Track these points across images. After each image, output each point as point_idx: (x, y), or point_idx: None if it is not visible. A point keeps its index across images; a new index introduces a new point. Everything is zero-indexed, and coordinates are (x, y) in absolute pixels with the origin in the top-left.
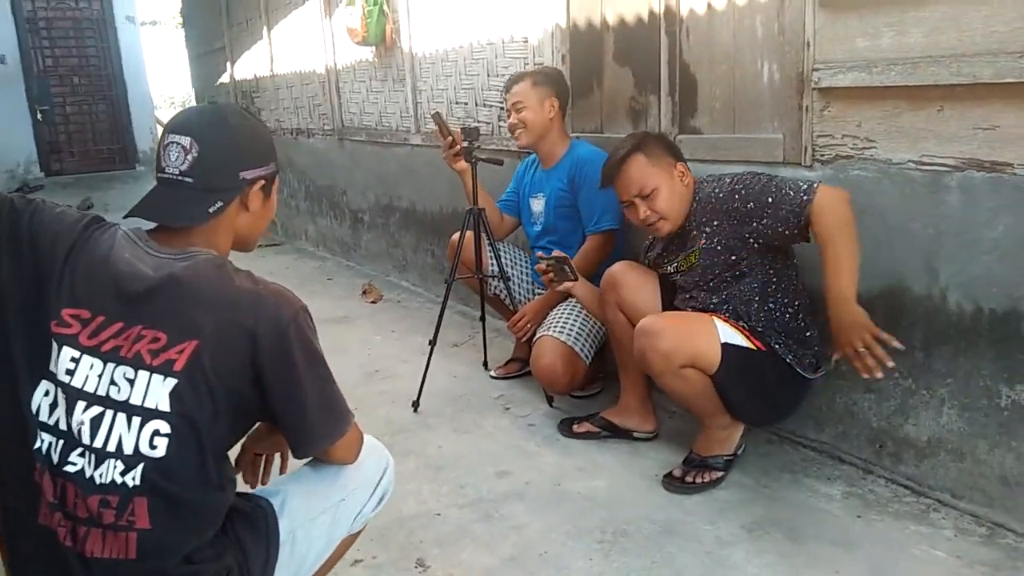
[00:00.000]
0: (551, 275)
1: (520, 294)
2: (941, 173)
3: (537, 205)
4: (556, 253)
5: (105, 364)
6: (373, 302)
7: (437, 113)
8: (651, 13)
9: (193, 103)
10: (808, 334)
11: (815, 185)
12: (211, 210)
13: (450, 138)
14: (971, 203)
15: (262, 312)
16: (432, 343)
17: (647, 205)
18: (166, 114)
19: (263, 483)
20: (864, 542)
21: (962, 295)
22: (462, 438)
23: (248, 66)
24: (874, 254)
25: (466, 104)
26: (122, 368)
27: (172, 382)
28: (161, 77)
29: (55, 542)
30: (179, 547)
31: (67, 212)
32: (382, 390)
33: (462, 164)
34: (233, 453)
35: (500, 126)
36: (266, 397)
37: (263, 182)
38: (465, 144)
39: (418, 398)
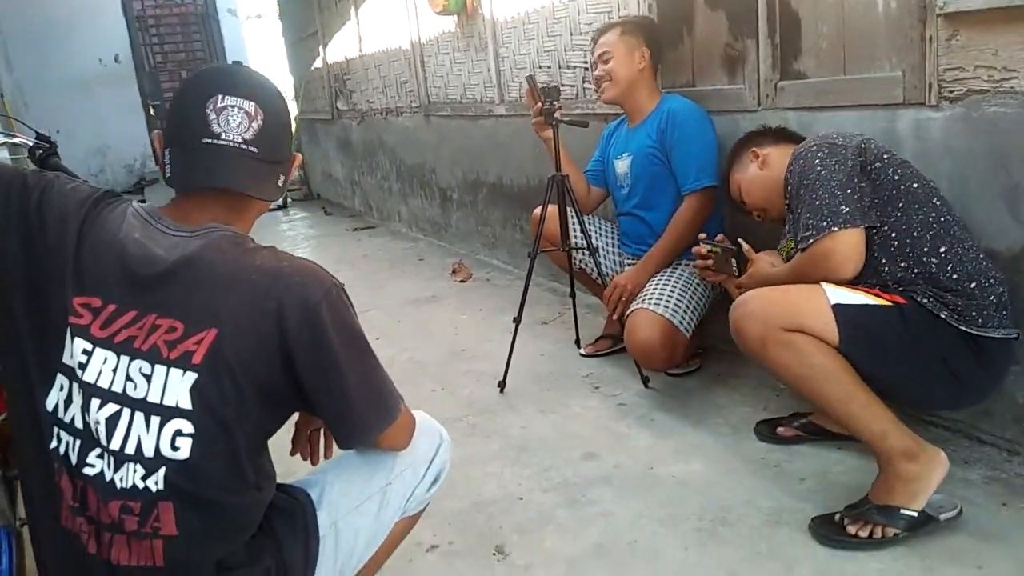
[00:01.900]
0: (711, 264)
1: (608, 267)
2: None
3: (622, 166)
4: (721, 239)
5: (119, 357)
6: (462, 281)
7: (530, 76)
8: None
9: (291, 91)
10: (973, 284)
11: (824, 233)
12: (280, 183)
13: (539, 104)
14: None
15: (287, 292)
16: (517, 321)
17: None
18: None
19: (326, 457)
20: (1011, 534)
21: None
22: (548, 419)
23: (339, 49)
24: (1015, 205)
25: (549, 68)
26: (138, 362)
27: (192, 376)
28: (270, 68)
29: (80, 547)
30: (211, 554)
31: (79, 188)
32: (467, 369)
33: (549, 132)
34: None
35: (585, 88)
36: (302, 387)
37: (299, 155)
38: (545, 105)
39: (504, 377)
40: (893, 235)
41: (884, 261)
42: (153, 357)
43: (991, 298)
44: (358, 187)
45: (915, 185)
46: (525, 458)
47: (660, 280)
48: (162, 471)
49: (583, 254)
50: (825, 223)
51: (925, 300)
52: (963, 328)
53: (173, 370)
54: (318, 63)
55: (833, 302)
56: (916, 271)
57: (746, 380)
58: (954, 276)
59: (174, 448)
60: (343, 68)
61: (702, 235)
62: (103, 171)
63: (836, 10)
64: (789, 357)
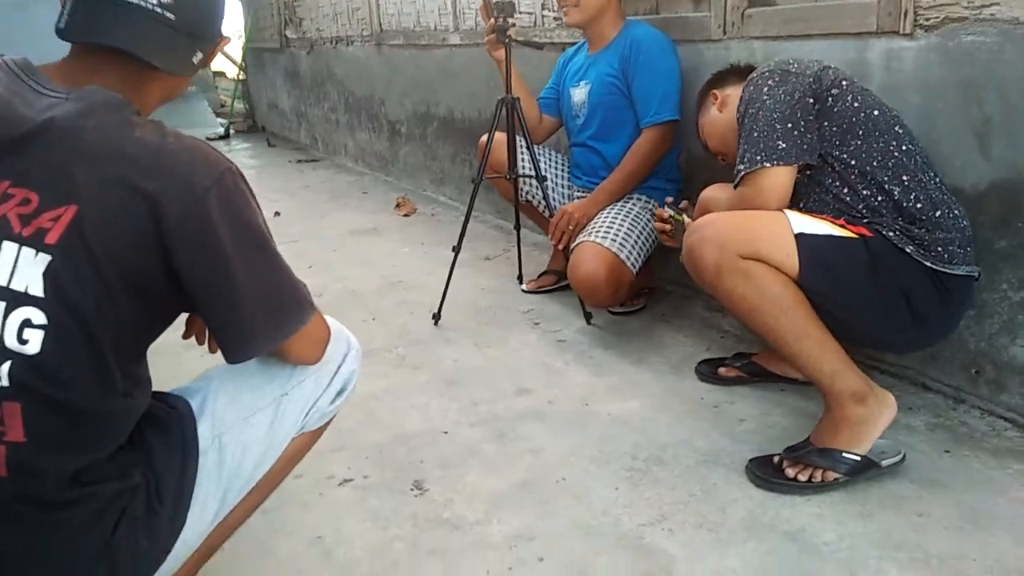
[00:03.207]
0: (669, 230)
1: (557, 200)
2: None
3: (579, 94)
4: (685, 205)
5: None
6: (406, 215)
7: None
8: None
9: (240, 17)
10: (939, 214)
11: (756, 167)
12: (196, 61)
13: (492, 20)
14: None
15: (168, 172)
16: (456, 249)
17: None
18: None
19: None
20: (954, 482)
21: None
22: (482, 352)
23: None
24: (985, 140)
25: None
26: None
27: (45, 259)
28: None
29: None
30: (66, 464)
31: None
32: (402, 300)
33: (502, 52)
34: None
35: (544, 16)
36: (183, 285)
37: (228, 37)
38: (498, 22)
39: (439, 309)
40: (853, 163)
41: (845, 190)
42: (2, 231)
43: (955, 232)
44: (304, 119)
45: (875, 112)
46: (454, 391)
47: (609, 214)
48: (6, 366)
49: (530, 184)
50: (759, 157)
51: (891, 234)
52: (928, 264)
53: (25, 249)
54: None
55: (796, 231)
56: (879, 199)
57: (690, 321)
58: (918, 205)
59: (21, 340)
60: None
61: (668, 199)
62: None
63: None
64: (746, 287)
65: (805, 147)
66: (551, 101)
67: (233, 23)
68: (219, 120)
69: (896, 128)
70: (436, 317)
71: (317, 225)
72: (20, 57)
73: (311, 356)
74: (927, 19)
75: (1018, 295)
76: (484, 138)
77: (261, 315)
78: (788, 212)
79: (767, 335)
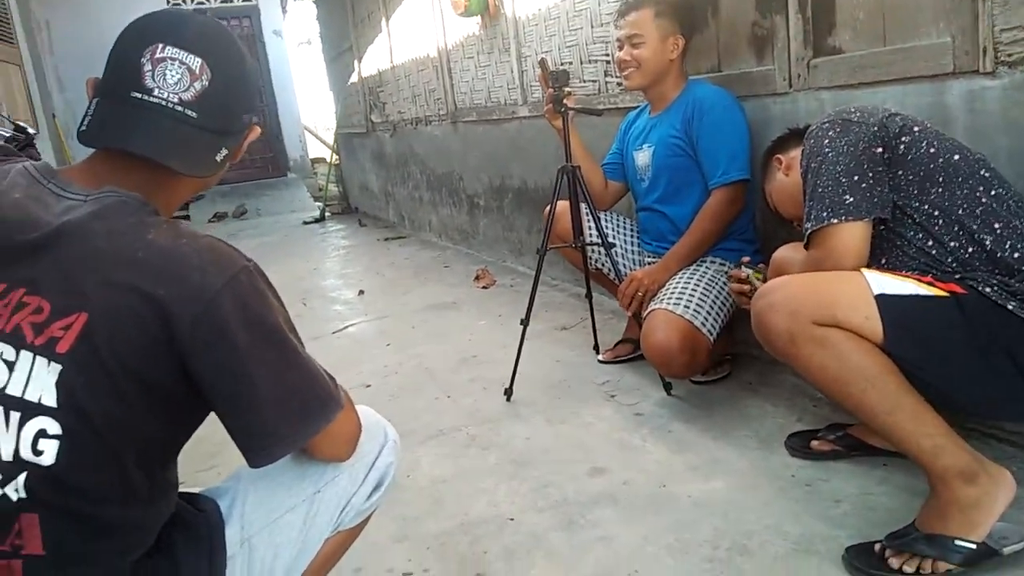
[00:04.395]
0: (749, 290)
1: (627, 266)
2: None
3: (643, 158)
4: (762, 266)
5: None
6: (485, 287)
7: (543, 60)
8: None
9: (332, 107)
10: None
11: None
12: (220, 159)
13: (550, 90)
14: None
15: (179, 277)
16: (524, 322)
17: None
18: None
19: None
20: None
21: None
22: (555, 429)
23: (372, 61)
24: None
25: (570, 64)
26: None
27: (57, 368)
28: (316, 89)
29: None
30: None
31: None
32: (475, 376)
33: (560, 121)
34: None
35: (607, 82)
36: (200, 390)
37: (258, 127)
38: (555, 91)
39: (511, 385)
40: (936, 213)
41: (930, 242)
42: (17, 341)
43: None
44: (392, 198)
45: (956, 157)
46: (524, 473)
47: (681, 279)
48: (22, 478)
49: (599, 252)
50: (825, 214)
51: (988, 289)
52: None
53: (39, 359)
54: (353, 78)
55: (876, 292)
56: (970, 250)
57: (779, 389)
58: (1016, 255)
59: (36, 451)
60: (376, 81)
61: (745, 258)
62: None
63: None
64: (823, 356)
65: (876, 200)
66: (616, 166)
67: (327, 113)
68: (316, 204)
69: (982, 172)
70: (508, 393)
71: (398, 301)
72: (42, 163)
73: (340, 454)
74: (1009, 55)
75: None
76: (549, 208)
77: (281, 417)
78: (866, 271)
79: (855, 409)
